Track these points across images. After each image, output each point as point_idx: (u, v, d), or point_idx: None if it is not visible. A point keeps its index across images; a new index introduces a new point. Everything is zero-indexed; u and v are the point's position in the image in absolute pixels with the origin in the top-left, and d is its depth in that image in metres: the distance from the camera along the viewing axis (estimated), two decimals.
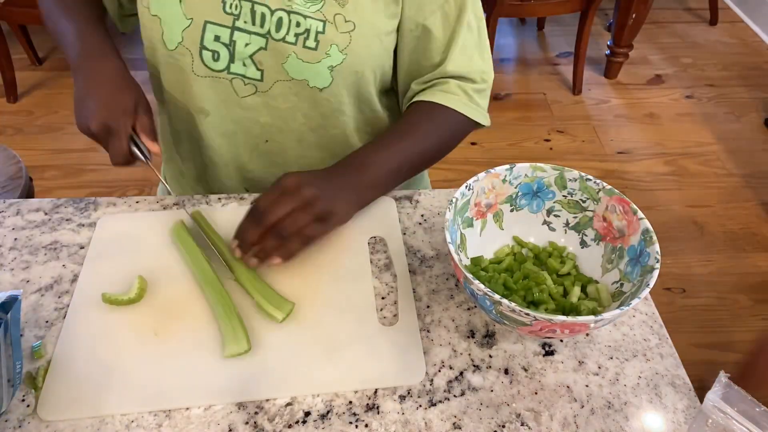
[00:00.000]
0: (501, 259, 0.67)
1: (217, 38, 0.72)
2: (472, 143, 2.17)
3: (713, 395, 0.52)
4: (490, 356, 0.60)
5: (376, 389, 0.57)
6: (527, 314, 0.51)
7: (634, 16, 2.26)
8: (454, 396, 0.57)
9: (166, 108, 0.86)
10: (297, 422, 0.54)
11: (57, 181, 1.99)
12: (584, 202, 0.66)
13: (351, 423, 0.54)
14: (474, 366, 0.59)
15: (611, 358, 0.61)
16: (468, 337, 0.62)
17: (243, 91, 0.76)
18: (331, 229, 0.66)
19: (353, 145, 0.86)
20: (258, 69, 0.74)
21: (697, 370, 0.87)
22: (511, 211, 0.69)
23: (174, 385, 0.56)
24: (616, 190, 0.63)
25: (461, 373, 0.59)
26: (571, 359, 0.60)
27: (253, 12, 0.70)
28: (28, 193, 1.15)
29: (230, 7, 0.70)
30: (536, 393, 0.57)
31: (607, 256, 0.64)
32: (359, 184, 0.70)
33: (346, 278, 0.67)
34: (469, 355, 0.60)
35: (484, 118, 0.81)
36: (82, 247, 0.70)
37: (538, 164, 0.66)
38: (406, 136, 0.76)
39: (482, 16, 0.80)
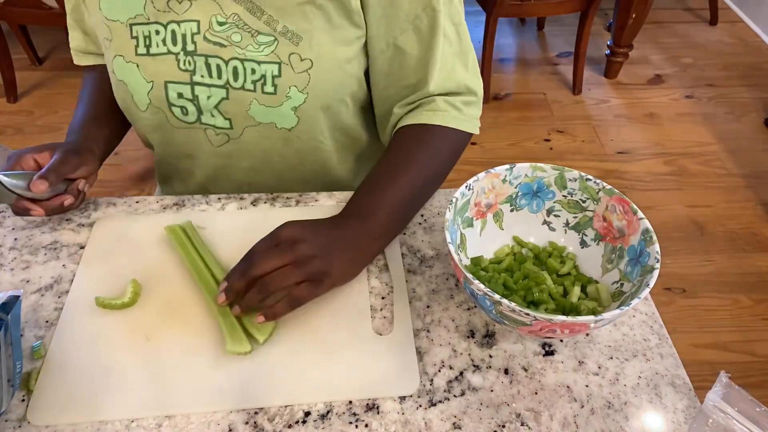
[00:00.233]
0: (501, 259, 0.67)
1: (180, 95, 0.73)
2: (472, 143, 2.17)
3: (713, 395, 0.52)
4: (490, 356, 0.60)
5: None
6: (527, 314, 0.51)
7: (634, 16, 2.26)
8: (454, 396, 0.57)
9: (155, 151, 0.87)
10: (297, 422, 0.54)
11: None
12: (584, 202, 0.66)
13: (351, 423, 0.54)
14: (474, 366, 0.59)
15: (611, 358, 0.61)
16: (468, 337, 0.62)
17: (216, 141, 0.77)
18: (324, 291, 0.61)
19: (338, 176, 0.86)
20: (225, 118, 0.74)
21: (697, 370, 0.87)
22: (511, 211, 0.69)
23: (169, 391, 0.56)
24: (616, 190, 0.63)
25: (461, 373, 0.59)
26: (571, 359, 0.60)
27: (207, 65, 0.70)
28: None
29: (185, 63, 0.71)
30: (536, 393, 0.57)
31: (607, 256, 0.64)
32: (365, 237, 0.65)
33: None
34: (469, 355, 0.60)
35: (474, 127, 0.77)
36: (82, 247, 0.70)
37: (538, 164, 0.66)
38: (402, 169, 0.70)
39: (461, 18, 0.73)
